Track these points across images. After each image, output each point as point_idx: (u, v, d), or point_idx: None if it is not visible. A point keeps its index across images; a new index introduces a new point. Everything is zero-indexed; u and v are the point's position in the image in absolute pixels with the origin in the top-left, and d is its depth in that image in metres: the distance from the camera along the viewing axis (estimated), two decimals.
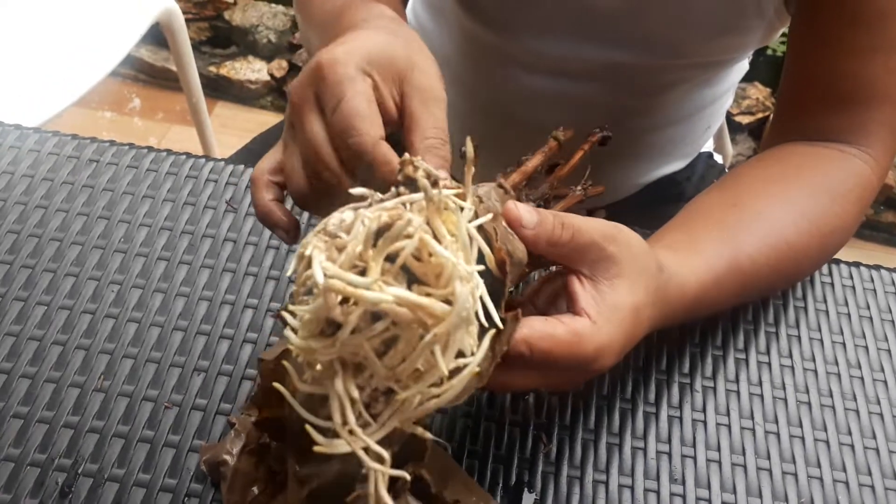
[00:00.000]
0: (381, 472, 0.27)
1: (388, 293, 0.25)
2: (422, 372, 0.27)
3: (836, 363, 0.46)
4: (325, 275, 0.25)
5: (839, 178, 0.47)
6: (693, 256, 0.42)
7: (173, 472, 0.39)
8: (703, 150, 0.73)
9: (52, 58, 1.07)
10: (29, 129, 0.55)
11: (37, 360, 0.43)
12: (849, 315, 0.48)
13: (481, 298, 0.28)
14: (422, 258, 0.27)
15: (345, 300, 0.26)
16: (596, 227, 0.35)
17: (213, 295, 0.46)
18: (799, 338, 0.47)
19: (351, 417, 0.27)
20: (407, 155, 0.30)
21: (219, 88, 1.68)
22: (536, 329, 0.33)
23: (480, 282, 0.28)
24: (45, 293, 0.46)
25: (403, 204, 0.28)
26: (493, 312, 0.29)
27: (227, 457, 0.38)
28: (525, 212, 0.34)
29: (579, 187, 0.45)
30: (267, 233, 0.49)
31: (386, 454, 0.27)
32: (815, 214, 0.46)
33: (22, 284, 0.46)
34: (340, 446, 0.27)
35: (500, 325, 0.30)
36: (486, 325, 0.28)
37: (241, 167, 0.54)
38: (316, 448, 0.27)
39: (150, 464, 0.39)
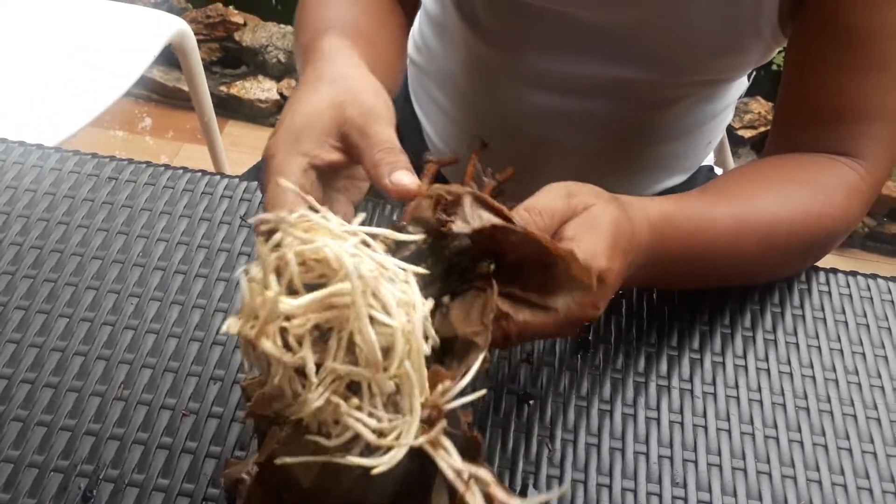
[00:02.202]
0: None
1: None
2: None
3: (834, 370, 0.47)
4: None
5: (826, 175, 0.50)
6: (656, 200, 0.44)
7: (191, 477, 0.41)
8: (704, 163, 0.74)
9: (69, 79, 1.10)
10: (50, 148, 0.58)
11: (59, 370, 0.45)
12: (846, 323, 0.49)
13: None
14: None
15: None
16: (554, 197, 0.38)
17: (228, 307, 0.48)
18: (797, 345, 0.48)
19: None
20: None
21: (229, 107, 1.71)
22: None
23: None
24: (66, 306, 0.48)
25: None
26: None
27: (245, 476, 0.39)
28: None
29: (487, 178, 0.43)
30: None
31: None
32: (811, 208, 0.48)
33: (45, 297, 0.48)
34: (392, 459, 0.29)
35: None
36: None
37: (255, 184, 0.55)
38: (375, 472, 0.29)
39: (169, 469, 0.41)
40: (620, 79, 0.59)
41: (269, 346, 0.29)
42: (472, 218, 0.35)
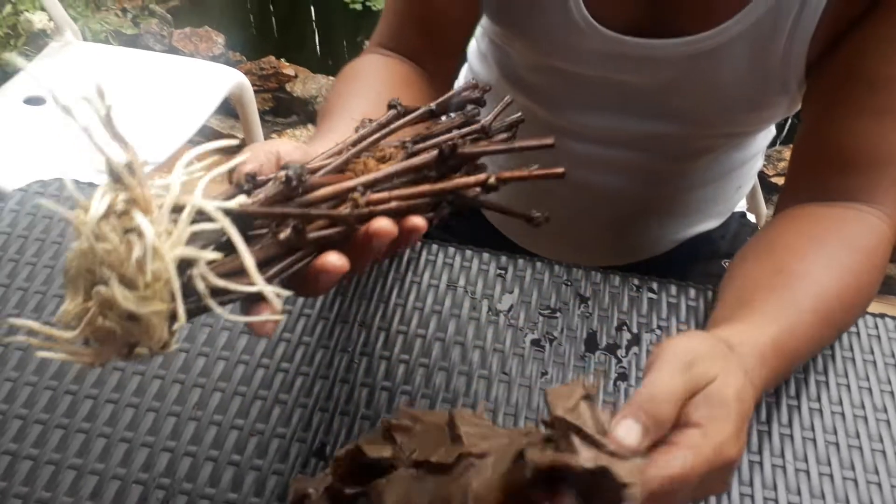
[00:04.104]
0: None
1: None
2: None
3: (863, 407, 0.49)
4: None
5: (866, 237, 0.50)
6: (757, 323, 0.43)
7: (257, 492, 0.44)
8: (737, 209, 0.77)
9: (139, 127, 1.18)
10: None
11: (140, 392, 0.49)
12: (874, 363, 0.51)
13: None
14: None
15: None
16: (672, 375, 0.35)
17: (290, 336, 0.52)
18: (827, 383, 0.51)
19: None
20: None
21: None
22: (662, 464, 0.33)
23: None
24: None
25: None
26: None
27: (311, 490, 0.42)
28: (626, 430, 0.33)
29: (536, 166, 0.42)
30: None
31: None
32: (855, 269, 0.49)
33: None
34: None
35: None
36: None
37: None
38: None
39: (237, 484, 0.45)
40: (654, 133, 0.63)
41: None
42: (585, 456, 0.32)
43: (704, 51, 0.55)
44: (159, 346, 0.31)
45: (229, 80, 1.28)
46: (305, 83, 1.89)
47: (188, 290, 0.31)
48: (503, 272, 0.57)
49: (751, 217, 0.79)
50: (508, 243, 0.77)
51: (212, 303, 0.31)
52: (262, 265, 0.33)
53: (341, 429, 0.48)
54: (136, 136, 1.21)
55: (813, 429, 0.48)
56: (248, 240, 0.33)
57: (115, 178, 0.31)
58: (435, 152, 0.39)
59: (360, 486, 0.39)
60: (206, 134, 1.78)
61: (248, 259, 0.30)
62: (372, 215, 0.36)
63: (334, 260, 0.34)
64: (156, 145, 1.16)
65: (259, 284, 0.31)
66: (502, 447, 0.37)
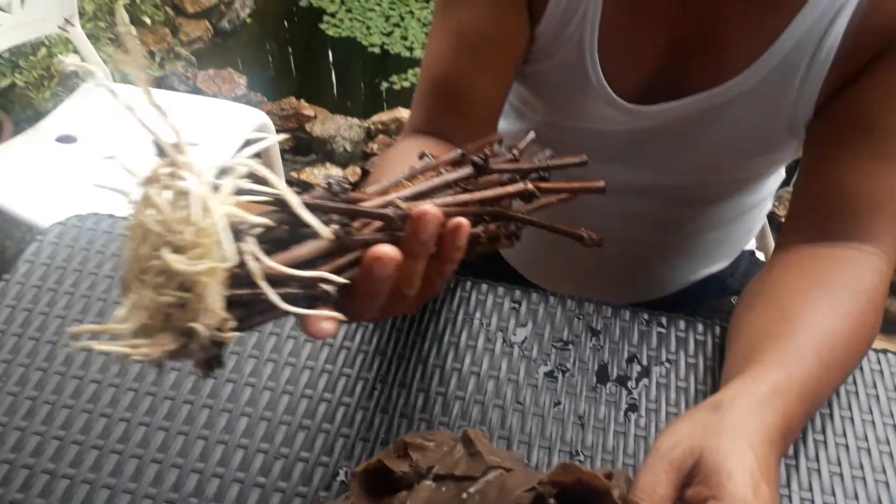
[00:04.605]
0: None
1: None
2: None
3: (867, 439, 0.51)
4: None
5: (866, 278, 0.52)
6: (756, 373, 0.45)
7: None
8: (746, 248, 0.79)
9: None
10: None
11: (189, 420, 0.51)
12: (877, 397, 0.53)
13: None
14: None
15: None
16: (650, 478, 0.38)
17: (314, 364, 0.55)
18: (831, 416, 0.52)
19: None
20: None
21: (302, 190, 1.84)
22: None
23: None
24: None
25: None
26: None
27: None
28: None
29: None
30: None
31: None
32: (857, 312, 0.50)
33: None
34: None
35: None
36: None
37: None
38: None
39: None
40: (666, 183, 0.65)
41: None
42: None
43: (717, 104, 0.58)
44: (215, 323, 0.30)
45: (253, 120, 1.33)
46: (324, 123, 1.94)
47: (240, 279, 0.31)
48: (517, 306, 0.60)
49: (759, 255, 0.81)
50: (522, 280, 0.80)
51: (265, 285, 0.31)
52: (309, 265, 0.33)
53: (362, 454, 0.50)
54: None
55: (818, 459, 0.50)
56: (296, 240, 0.33)
57: (162, 153, 0.31)
58: (469, 167, 0.40)
59: (378, 502, 0.41)
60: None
61: (292, 198, 0.31)
62: None
63: (388, 249, 0.34)
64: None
65: (312, 273, 0.31)
66: (525, 473, 0.40)
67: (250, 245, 0.31)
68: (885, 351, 0.56)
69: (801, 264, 0.54)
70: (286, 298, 0.32)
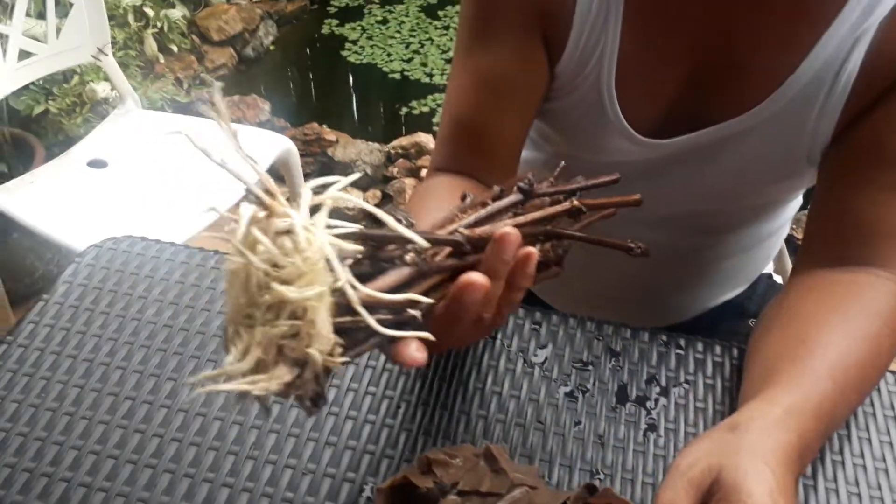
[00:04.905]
0: None
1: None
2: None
3: (884, 460, 0.51)
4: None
5: (883, 302, 0.53)
6: (770, 395, 0.46)
7: None
8: (764, 271, 0.80)
9: (193, 188, 1.26)
10: (181, 245, 0.69)
11: (220, 437, 0.53)
12: (895, 418, 0.54)
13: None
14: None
15: None
16: (670, 495, 0.40)
17: (340, 383, 0.56)
18: (849, 437, 0.53)
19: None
20: None
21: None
22: None
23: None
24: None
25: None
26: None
27: None
28: None
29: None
30: None
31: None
32: (873, 335, 0.51)
33: (190, 371, 0.57)
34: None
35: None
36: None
37: None
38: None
39: None
40: (685, 212, 0.66)
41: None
42: None
43: (734, 133, 0.59)
44: (327, 348, 0.32)
45: (278, 145, 1.36)
46: (346, 148, 1.97)
47: (340, 309, 0.33)
48: (538, 327, 0.61)
49: (777, 278, 0.82)
50: (543, 304, 0.81)
51: (363, 311, 0.33)
52: (395, 292, 0.35)
53: (388, 470, 0.51)
54: (190, 196, 1.29)
55: (835, 480, 0.50)
56: (376, 273, 0.35)
57: (253, 198, 0.34)
58: (518, 194, 0.43)
59: None
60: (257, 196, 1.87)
61: (387, 219, 0.34)
62: (482, 241, 0.38)
63: (477, 276, 0.35)
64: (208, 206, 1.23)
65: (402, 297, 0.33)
66: (550, 492, 0.41)
67: (346, 273, 0.33)
68: None
69: (817, 289, 0.55)
70: (380, 324, 0.34)
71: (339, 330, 0.33)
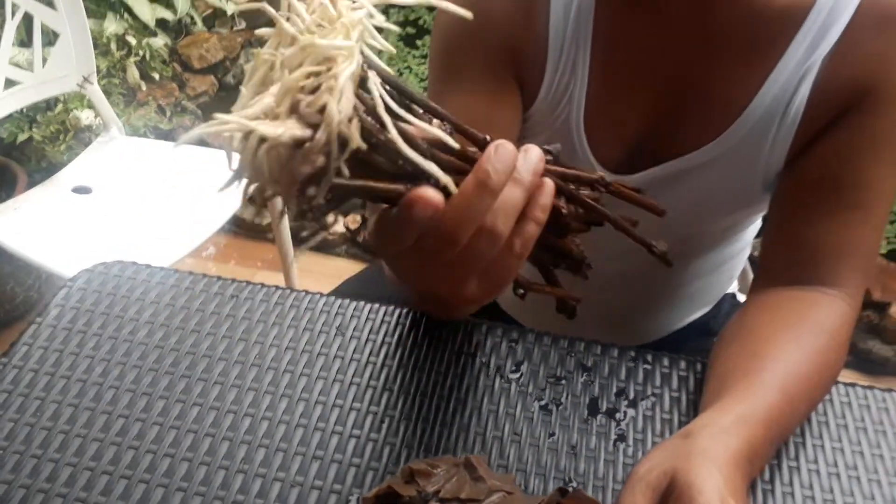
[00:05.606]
0: None
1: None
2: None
3: (836, 465, 0.55)
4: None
5: (832, 319, 0.57)
6: (722, 405, 0.49)
7: None
8: (728, 290, 0.84)
9: (176, 214, 1.28)
10: (170, 269, 0.71)
11: (211, 452, 0.56)
12: (846, 426, 0.57)
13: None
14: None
15: None
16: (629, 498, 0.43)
17: (325, 399, 0.59)
18: (804, 444, 0.56)
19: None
20: None
21: (302, 239, 1.90)
22: None
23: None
24: (198, 396, 0.59)
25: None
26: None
27: None
28: None
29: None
30: (353, 353, 0.63)
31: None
32: (821, 349, 0.55)
33: (181, 390, 0.60)
34: None
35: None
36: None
37: (347, 301, 0.68)
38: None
39: None
40: (639, 246, 0.69)
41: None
42: None
43: (695, 166, 0.63)
44: (346, 111, 0.29)
45: None
46: None
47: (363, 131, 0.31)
48: (514, 344, 0.64)
49: (741, 297, 0.86)
50: (518, 325, 0.84)
51: (382, 111, 0.31)
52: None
53: (373, 481, 0.54)
54: (177, 224, 1.30)
55: (791, 484, 0.54)
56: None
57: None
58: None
59: None
60: (237, 222, 1.89)
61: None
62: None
63: (430, 192, 0.34)
64: (191, 230, 1.25)
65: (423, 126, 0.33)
66: (525, 496, 0.44)
67: (378, 82, 0.31)
68: (853, 384, 0.61)
69: (771, 307, 0.59)
70: (396, 176, 0.32)
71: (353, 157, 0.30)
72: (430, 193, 0.34)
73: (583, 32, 0.60)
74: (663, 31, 0.59)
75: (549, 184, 0.38)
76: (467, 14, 0.35)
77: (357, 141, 0.31)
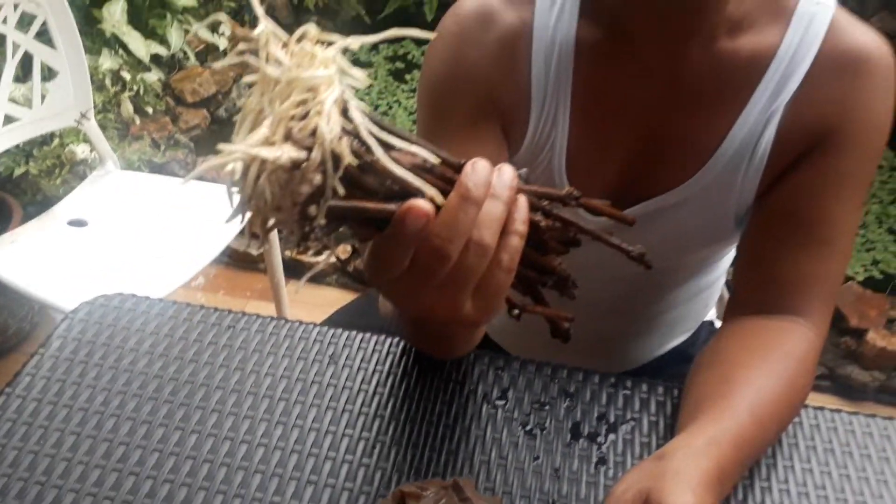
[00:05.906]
0: None
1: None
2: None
3: (805, 485, 0.58)
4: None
5: (800, 346, 0.60)
6: (694, 429, 0.52)
7: None
8: (706, 318, 0.87)
9: (169, 246, 1.31)
10: (170, 301, 0.74)
11: (210, 477, 0.58)
12: (815, 448, 0.60)
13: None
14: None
15: None
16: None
17: (319, 426, 0.62)
18: (775, 465, 0.59)
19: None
20: None
21: (293, 269, 1.92)
22: None
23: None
24: (197, 423, 0.62)
25: None
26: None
27: None
28: None
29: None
30: (354, 377, 0.65)
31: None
32: (789, 375, 0.58)
33: (180, 417, 0.62)
34: None
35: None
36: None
37: (340, 330, 0.71)
38: None
39: None
40: (630, 273, 0.72)
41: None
42: None
43: (671, 204, 0.67)
44: (335, 129, 0.32)
45: None
46: None
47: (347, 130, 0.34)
48: (500, 372, 0.67)
49: (718, 324, 0.90)
50: (504, 353, 0.87)
51: (372, 141, 0.33)
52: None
53: None
54: (166, 254, 1.32)
55: (763, 503, 0.56)
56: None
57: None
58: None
59: None
60: (228, 253, 1.92)
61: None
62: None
63: (421, 203, 0.36)
64: (184, 263, 1.28)
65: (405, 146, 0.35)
66: None
67: (358, 109, 0.33)
68: (821, 408, 0.64)
69: (742, 335, 0.63)
70: (383, 194, 0.35)
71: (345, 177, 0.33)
72: (420, 203, 0.36)
73: (563, 84, 0.63)
74: (639, 81, 0.63)
75: (522, 198, 0.41)
76: None
77: (349, 156, 0.34)
